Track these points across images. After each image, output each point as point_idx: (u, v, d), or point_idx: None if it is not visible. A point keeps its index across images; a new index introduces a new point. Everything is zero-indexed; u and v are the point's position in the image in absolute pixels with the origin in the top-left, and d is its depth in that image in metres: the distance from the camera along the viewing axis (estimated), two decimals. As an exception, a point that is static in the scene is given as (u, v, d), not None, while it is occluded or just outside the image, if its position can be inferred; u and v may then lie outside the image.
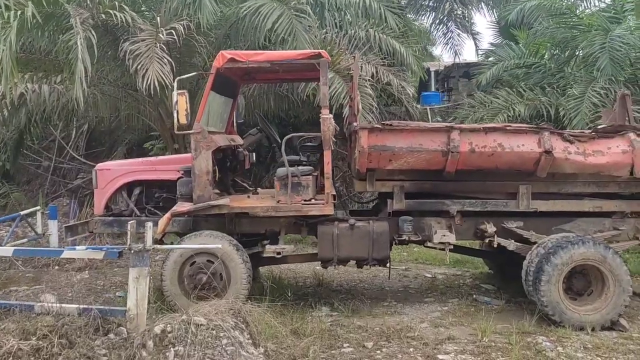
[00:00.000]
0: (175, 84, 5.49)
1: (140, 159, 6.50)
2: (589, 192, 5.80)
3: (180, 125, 5.42)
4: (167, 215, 5.49)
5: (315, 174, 5.85)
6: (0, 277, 7.67)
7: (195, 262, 5.44)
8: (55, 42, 8.73)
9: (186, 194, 5.74)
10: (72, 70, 7.49)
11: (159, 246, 4.53)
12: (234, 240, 5.55)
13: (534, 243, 5.70)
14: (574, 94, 9.16)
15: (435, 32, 16.50)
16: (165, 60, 7.80)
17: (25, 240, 7.80)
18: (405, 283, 7.11)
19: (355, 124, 5.66)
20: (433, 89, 19.85)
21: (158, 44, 7.88)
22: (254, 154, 7.22)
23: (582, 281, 5.39)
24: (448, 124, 5.50)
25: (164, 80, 7.67)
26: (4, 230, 9.09)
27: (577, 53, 10.41)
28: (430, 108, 15.32)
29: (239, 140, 6.86)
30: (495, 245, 5.77)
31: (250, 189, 6.94)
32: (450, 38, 16.28)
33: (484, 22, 16.98)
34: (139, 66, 7.74)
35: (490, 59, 17.74)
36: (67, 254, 4.46)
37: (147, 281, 3.84)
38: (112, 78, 10.50)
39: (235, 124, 7.25)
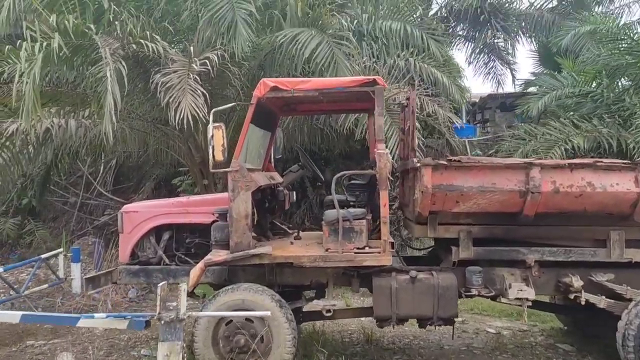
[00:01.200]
0: (211, 117, 4.87)
1: (170, 200, 5.87)
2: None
3: (216, 163, 4.77)
4: (200, 265, 4.78)
5: (369, 217, 5.10)
6: (17, 327, 7.03)
7: (231, 321, 4.69)
8: (83, 75, 8.31)
9: (221, 240, 5.04)
10: (101, 103, 7.00)
11: (195, 313, 3.80)
12: (277, 295, 4.80)
13: (629, 300, 4.81)
14: (643, 123, 8.28)
15: (474, 62, 15.76)
16: (199, 92, 7.26)
17: (46, 286, 7.25)
18: (467, 340, 6.21)
19: (414, 159, 4.92)
20: (464, 120, 19.09)
21: (191, 75, 7.36)
22: (294, 192, 6.53)
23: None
24: (527, 160, 4.72)
25: (197, 114, 7.12)
26: (26, 272, 8.54)
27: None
28: (468, 140, 14.55)
29: (277, 178, 6.18)
30: (582, 302, 4.88)
31: (290, 232, 6.22)
32: (492, 67, 15.51)
33: (522, 51, 16.37)
34: (171, 99, 7.21)
35: (530, 88, 17.04)
36: (83, 322, 3.78)
37: (181, 358, 3.10)
38: (141, 112, 10.07)
39: (272, 160, 6.60)
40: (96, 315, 3.94)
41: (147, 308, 7.94)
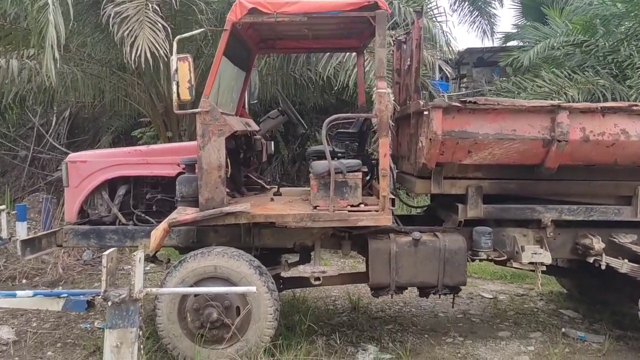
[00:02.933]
0: (174, 46, 3.95)
1: (126, 149, 4.98)
2: None
3: (182, 102, 3.90)
4: (164, 225, 3.96)
5: (365, 169, 4.36)
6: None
7: (202, 291, 3.93)
8: (27, 10, 7.14)
9: (189, 196, 4.23)
10: (43, 36, 5.94)
11: (154, 290, 3.01)
12: (255, 260, 4.05)
13: (654, 264, 4.27)
14: (648, 74, 7.71)
15: (458, 10, 14.90)
16: (160, 25, 6.26)
17: (-15, 247, 6.35)
18: (462, 307, 5.64)
19: (420, 102, 4.16)
20: (438, 76, 18.40)
21: (150, 5, 6.33)
22: (272, 143, 5.72)
23: None
24: (554, 103, 4.02)
25: (157, 51, 6.13)
26: (-35, 233, 7.53)
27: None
28: (448, 96, 13.91)
29: (253, 125, 5.35)
30: (603, 266, 4.31)
31: (268, 187, 5.43)
32: (477, 16, 14.69)
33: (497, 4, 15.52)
34: (126, 33, 6.19)
35: (511, 42, 16.37)
36: (1, 302, 2.95)
37: (136, 349, 2.33)
38: (95, 54, 8.95)
39: (247, 105, 5.74)
40: (19, 293, 3.07)
41: (105, 272, 7.11)
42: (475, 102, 3.89)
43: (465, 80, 18.66)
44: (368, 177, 4.99)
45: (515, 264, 4.40)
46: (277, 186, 5.23)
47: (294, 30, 4.87)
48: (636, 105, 3.97)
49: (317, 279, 4.18)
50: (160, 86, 8.60)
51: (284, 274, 4.79)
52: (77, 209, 4.62)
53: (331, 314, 5.38)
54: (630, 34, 9.28)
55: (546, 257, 4.27)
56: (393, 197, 4.07)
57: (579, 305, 5.58)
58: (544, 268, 4.38)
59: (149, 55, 6.06)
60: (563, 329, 4.91)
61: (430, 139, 3.91)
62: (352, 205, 4.09)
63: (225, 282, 3.95)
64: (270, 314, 3.93)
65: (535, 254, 4.29)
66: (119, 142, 11.36)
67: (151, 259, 4.50)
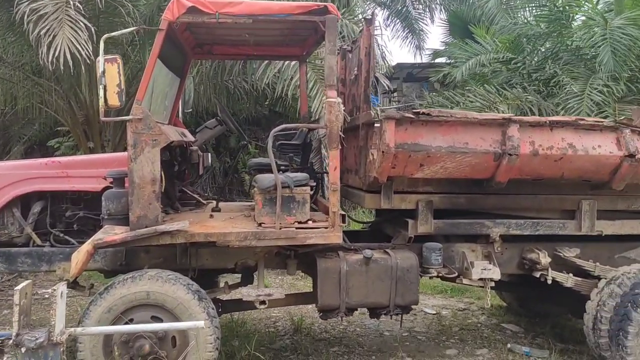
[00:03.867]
0: (101, 45, 3.53)
1: (43, 160, 4.40)
2: (661, 210, 4.51)
3: (109, 108, 3.48)
4: (87, 246, 3.48)
5: (313, 184, 4.10)
6: None
7: (132, 320, 3.49)
8: None
9: (118, 213, 3.77)
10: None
11: (79, 330, 2.55)
12: (194, 284, 3.66)
13: (597, 277, 4.31)
14: (573, 91, 8.04)
15: (390, 25, 15.11)
16: (82, 24, 5.72)
17: None
18: (407, 324, 5.48)
19: (371, 112, 3.97)
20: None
21: (72, 3, 5.78)
22: (209, 154, 5.34)
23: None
24: (505, 115, 3.96)
25: (79, 52, 5.60)
26: None
27: (567, 45, 9.36)
28: (380, 109, 13.98)
29: (189, 135, 4.95)
30: (549, 281, 4.30)
31: (205, 202, 5.04)
32: (409, 32, 14.95)
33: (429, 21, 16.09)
34: (44, 31, 5.61)
35: (438, 59, 16.85)
36: None
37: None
38: (7, 57, 8.16)
39: (180, 115, 5.34)
40: None
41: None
42: (428, 114, 3.75)
43: (395, 94, 18.97)
44: (313, 192, 4.74)
45: (465, 281, 4.29)
46: (215, 201, 4.85)
47: (233, 34, 4.57)
48: (582, 120, 4.00)
49: (263, 302, 3.85)
50: (81, 93, 7.97)
51: (223, 297, 4.42)
52: (-18, 229, 4.02)
53: (273, 337, 5.05)
54: (554, 53, 9.72)
55: (495, 273, 4.20)
56: (343, 213, 3.83)
57: (520, 319, 5.60)
58: (493, 284, 4.30)
59: (69, 56, 5.53)
60: (508, 345, 4.87)
61: (383, 152, 3.72)
62: (299, 222, 3.81)
63: (158, 310, 3.54)
64: (211, 344, 3.55)
65: (485, 269, 4.20)
66: (32, 153, 10.45)
67: (71, 284, 3.97)
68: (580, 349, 4.68)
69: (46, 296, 6.12)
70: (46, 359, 2.06)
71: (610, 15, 8.75)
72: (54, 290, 2.22)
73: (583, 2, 9.43)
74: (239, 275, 4.44)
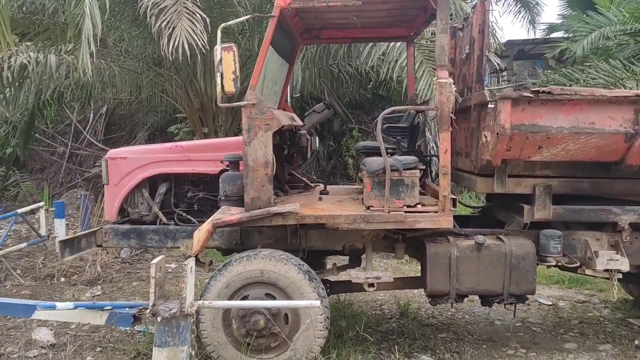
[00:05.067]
0: (218, 34, 3.70)
1: (167, 145, 4.75)
2: None
3: (226, 94, 3.65)
4: (207, 226, 3.72)
5: (423, 167, 4.03)
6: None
7: (248, 296, 3.69)
8: (64, 5, 7.03)
9: (233, 195, 3.98)
10: (79, 29, 5.79)
11: (206, 303, 2.75)
12: (304, 265, 3.77)
13: None
14: None
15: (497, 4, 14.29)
16: (198, 16, 6.04)
17: (25, 245, 6.28)
18: (520, 314, 5.24)
19: (484, 92, 3.80)
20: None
21: (188, -4, 6.12)
22: (317, 138, 5.44)
23: None
24: (639, 92, 3.61)
25: (195, 43, 5.92)
26: (5, 228, 7.50)
27: None
28: (490, 90, 13.33)
29: (297, 119, 5.07)
30: (686, 275, 3.89)
31: (312, 185, 5.15)
32: (522, 6, 14.07)
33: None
34: (164, 24, 6.00)
35: (554, 34, 15.68)
36: (39, 314, 2.75)
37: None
38: (132, 49, 8.85)
39: (289, 99, 5.47)
40: (59, 305, 2.85)
41: (143, 270, 6.97)
42: (549, 92, 3.51)
43: (504, 73, 18.00)
44: (421, 175, 4.66)
45: (588, 271, 4.00)
46: (323, 184, 4.94)
47: (342, 18, 4.58)
48: None
49: (371, 285, 3.87)
50: (197, 81, 8.43)
51: (331, 278, 4.50)
52: (117, 208, 4.44)
53: (379, 319, 5.07)
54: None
55: (624, 264, 3.87)
56: (454, 197, 3.72)
57: (648, 314, 5.13)
58: (620, 276, 3.97)
59: (186, 47, 5.86)
60: (636, 341, 4.47)
61: (497, 134, 3.55)
62: (408, 206, 3.77)
63: (271, 287, 3.70)
64: (321, 322, 3.65)
65: (612, 260, 3.89)
66: (154, 138, 11.30)
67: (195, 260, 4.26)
68: None
69: (169, 270, 6.65)
70: (178, 328, 2.25)
71: None
72: (185, 265, 2.40)
73: None
74: (346, 258, 4.51)
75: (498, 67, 10.25)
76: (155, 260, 2.43)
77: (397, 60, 7.95)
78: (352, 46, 8.75)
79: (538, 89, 3.55)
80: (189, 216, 4.40)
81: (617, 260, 3.87)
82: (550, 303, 5.61)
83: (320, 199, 4.41)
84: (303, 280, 3.66)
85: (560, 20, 15.48)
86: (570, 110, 3.56)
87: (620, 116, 3.54)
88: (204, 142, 5.17)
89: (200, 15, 5.99)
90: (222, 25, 3.77)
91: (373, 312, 5.32)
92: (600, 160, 3.73)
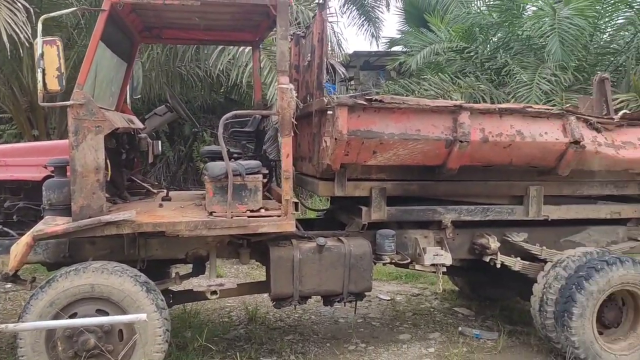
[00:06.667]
0: (40, 26, 3.34)
1: (-21, 148, 4.18)
2: (603, 195, 4.68)
3: (49, 93, 3.31)
4: (27, 238, 3.33)
5: (266, 171, 4.04)
6: None
7: (75, 314, 3.36)
8: None
9: (59, 203, 3.62)
10: None
11: (11, 327, 2.42)
12: (142, 276, 3.55)
13: (543, 261, 4.44)
14: (523, 80, 8.24)
15: (347, 12, 15.07)
16: (20, 5, 5.43)
17: None
18: (362, 311, 5.52)
19: (324, 99, 3.92)
20: (325, 78, 18.53)
21: (8, -18, 5.47)
22: (159, 142, 5.18)
23: (614, 311, 4.21)
24: (456, 103, 3.99)
25: (17, 35, 5.31)
26: None
27: (518, 35, 9.55)
28: (329, 97, 13.99)
29: (138, 122, 4.79)
30: (498, 265, 4.41)
31: (155, 191, 4.90)
32: (366, 19, 14.94)
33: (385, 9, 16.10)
34: (-22, 11, 5.29)
35: (395, 47, 16.95)
36: None
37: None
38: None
39: (128, 101, 5.16)
40: None
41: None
42: (381, 101, 3.74)
43: (352, 82, 18.99)
44: (266, 180, 4.69)
45: (417, 267, 4.34)
46: (165, 190, 4.72)
47: (183, 18, 4.43)
48: (530, 107, 4.08)
49: (214, 292, 3.78)
50: (24, 78, 7.59)
51: (174, 288, 4.31)
52: None
53: (227, 327, 4.98)
54: (506, 42, 9.92)
55: (447, 259, 4.26)
56: (296, 201, 3.79)
57: (471, 303, 5.72)
58: (445, 269, 4.37)
59: (5, 39, 5.23)
60: (460, 328, 4.97)
61: (336, 139, 3.69)
62: (251, 211, 3.76)
63: (104, 303, 3.42)
64: (160, 336, 3.46)
65: (437, 255, 4.26)
66: (-28, 141, 9.93)
67: (12, 278, 3.78)
68: (527, 331, 4.82)
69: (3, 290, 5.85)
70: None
71: (559, 5, 8.98)
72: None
73: (534, -8, 9.63)
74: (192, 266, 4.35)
75: (344, 76, 10.75)
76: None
77: (247, 65, 7.95)
78: (200, 48, 8.56)
79: (371, 97, 3.77)
80: (6, 228, 3.90)
81: (442, 255, 4.26)
82: (389, 298, 6.00)
83: (161, 205, 4.20)
84: (140, 292, 3.44)
85: (400, 35, 16.76)
86: (399, 118, 3.83)
87: (441, 124, 3.89)
88: (24, 145, 4.66)
89: (22, 5, 5.38)
90: (44, 16, 3.42)
91: (221, 320, 5.22)
92: (426, 164, 4.07)
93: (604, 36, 9.76)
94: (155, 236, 3.82)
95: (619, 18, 9.40)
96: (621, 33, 9.54)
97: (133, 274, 3.51)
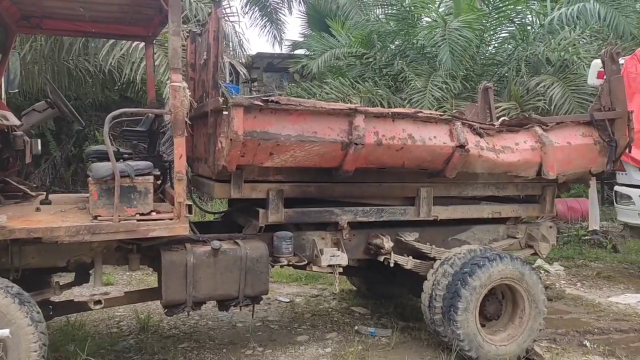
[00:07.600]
0: None
1: None
2: (485, 196, 5.00)
3: None
4: None
5: (157, 173, 3.85)
6: None
7: None
8: None
9: None
10: None
11: None
12: (14, 286, 3.24)
13: (433, 259, 4.66)
14: (417, 86, 8.64)
15: (249, 13, 14.94)
16: None
17: None
18: (261, 314, 5.47)
19: (220, 99, 3.82)
20: (228, 78, 18.45)
21: None
22: (38, 141, 4.78)
23: (495, 304, 4.50)
24: (351, 106, 4.05)
25: None
26: None
27: (413, 43, 10.01)
28: (224, 97, 13.87)
29: (13, 119, 4.39)
30: (391, 264, 4.55)
31: (33, 194, 4.51)
32: (268, 21, 14.89)
33: (287, 12, 16.14)
34: None
35: (298, 50, 17.10)
36: None
37: None
38: None
39: (4, 95, 4.72)
40: None
41: None
42: (277, 102, 3.71)
43: (255, 84, 18.88)
44: (160, 182, 4.49)
45: (315, 268, 4.36)
46: (45, 193, 4.36)
47: (65, 7, 4.15)
48: (420, 112, 4.26)
49: (98, 302, 3.53)
50: None
51: (54, 298, 3.98)
52: None
53: (115, 338, 4.70)
54: (402, 50, 10.37)
55: (343, 259, 4.33)
56: (189, 203, 3.65)
57: (367, 302, 5.88)
58: (341, 270, 4.43)
59: None
60: (356, 327, 5.08)
61: (231, 140, 3.61)
62: (141, 214, 3.56)
63: (-30, 318, 3.08)
64: (35, 351, 3.18)
65: (334, 256, 4.31)
66: None
67: None
68: (419, 326, 5.03)
69: None
70: None
71: (450, 17, 9.54)
72: None
73: (427, 4, 10.15)
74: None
75: (245, 77, 10.64)
76: None
77: (141, 61, 7.60)
78: (89, 41, 8.05)
79: (268, 98, 3.73)
80: None
81: (338, 256, 4.31)
82: (288, 300, 6.00)
83: (38, 209, 3.86)
84: (12, 304, 3.14)
85: (303, 39, 16.94)
86: (296, 120, 3.82)
87: (337, 127, 3.94)
88: None
89: None
90: None
91: (109, 331, 4.92)
92: (323, 166, 4.10)
93: (489, 48, 10.54)
94: (32, 243, 3.50)
95: (503, 32, 10.21)
96: (504, 46, 10.36)
97: (4, 285, 3.19)
